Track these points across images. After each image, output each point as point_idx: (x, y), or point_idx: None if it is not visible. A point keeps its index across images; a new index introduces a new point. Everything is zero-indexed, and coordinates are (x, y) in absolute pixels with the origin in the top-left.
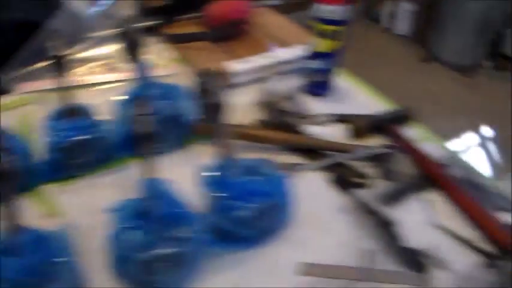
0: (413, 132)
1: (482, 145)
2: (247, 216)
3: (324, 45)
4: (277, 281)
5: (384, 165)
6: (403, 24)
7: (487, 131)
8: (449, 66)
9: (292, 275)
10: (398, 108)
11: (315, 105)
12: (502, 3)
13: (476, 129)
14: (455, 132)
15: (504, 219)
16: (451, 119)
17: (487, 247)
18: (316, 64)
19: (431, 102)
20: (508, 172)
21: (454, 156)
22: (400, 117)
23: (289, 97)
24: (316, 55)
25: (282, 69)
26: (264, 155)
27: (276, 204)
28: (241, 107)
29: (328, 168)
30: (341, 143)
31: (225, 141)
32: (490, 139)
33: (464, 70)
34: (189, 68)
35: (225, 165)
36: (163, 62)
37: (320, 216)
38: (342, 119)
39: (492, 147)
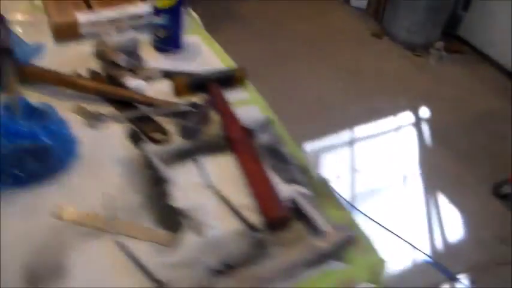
0: (239, 95)
1: (416, 125)
2: (9, 155)
3: (162, 1)
4: (32, 223)
5: (186, 122)
6: None
7: (424, 112)
8: (401, 44)
9: (50, 218)
10: (230, 69)
11: (160, 61)
12: None
13: (414, 109)
14: (391, 110)
15: (296, 192)
16: (392, 96)
17: (254, 218)
18: (159, 20)
19: (375, 78)
20: None
21: (267, 123)
22: (228, 78)
23: (125, 50)
24: (158, 11)
25: (130, 23)
26: (79, 103)
27: (47, 148)
28: (81, 56)
29: (132, 121)
30: (155, 98)
31: (12, 82)
32: (424, 120)
33: (415, 49)
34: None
35: (7, 105)
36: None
37: (100, 165)
38: (167, 75)
39: (425, 128)
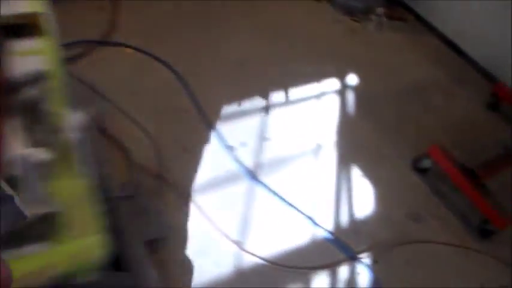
0: (31, 43)
1: (340, 93)
2: None
3: None
4: None
5: None
6: None
7: (352, 79)
8: (340, 8)
9: None
10: (23, 15)
11: None
12: None
13: (341, 76)
14: (316, 76)
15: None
16: (320, 61)
17: None
18: None
19: (304, 42)
20: None
21: (38, 77)
22: (19, 25)
23: None
24: None
25: None
26: None
27: None
28: None
29: None
30: None
31: None
32: (351, 88)
33: (354, 14)
34: None
35: None
36: None
37: None
38: None
39: (350, 96)
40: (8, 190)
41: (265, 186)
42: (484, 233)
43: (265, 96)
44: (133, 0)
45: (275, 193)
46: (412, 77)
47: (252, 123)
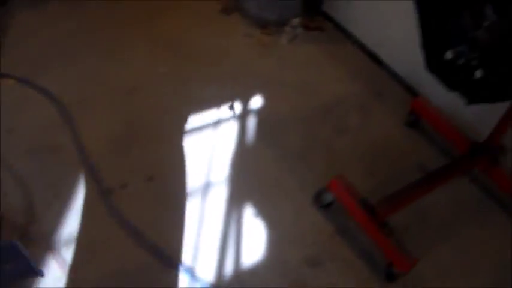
0: None
1: (241, 118)
2: None
3: None
4: None
5: None
6: None
7: (256, 101)
8: (252, 21)
9: None
10: None
11: None
12: None
13: (244, 99)
14: (216, 100)
15: None
16: (223, 83)
17: None
18: None
19: (208, 61)
20: None
21: None
22: None
23: None
24: None
25: None
26: None
27: None
28: None
29: None
30: None
31: None
32: (254, 112)
33: (266, 26)
34: None
35: None
36: None
37: None
38: None
39: (252, 121)
40: None
41: (139, 237)
42: (390, 276)
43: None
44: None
45: (150, 244)
46: (327, 95)
47: (137, 159)
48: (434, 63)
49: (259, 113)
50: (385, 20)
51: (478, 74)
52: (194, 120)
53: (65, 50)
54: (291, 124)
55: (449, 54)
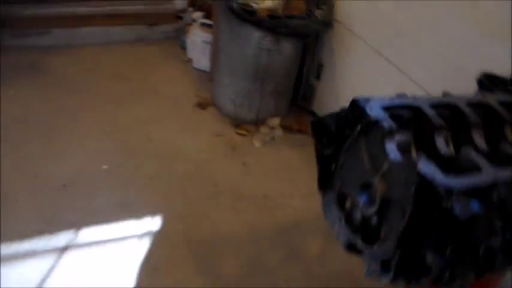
0: None
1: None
2: None
3: None
4: None
5: None
6: (204, 59)
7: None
8: (228, 117)
9: None
10: None
11: None
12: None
13: (186, 209)
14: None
15: None
16: (166, 189)
17: None
18: None
19: (167, 165)
20: None
21: None
22: None
23: None
24: None
25: None
26: None
27: None
28: None
29: None
30: None
31: None
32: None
33: (241, 125)
34: None
35: None
36: None
37: None
38: None
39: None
40: None
41: None
42: None
43: (76, 231)
44: None
45: None
46: (289, 213)
47: (34, 269)
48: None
49: (199, 229)
50: None
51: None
52: (115, 230)
53: (12, 136)
54: (235, 246)
55: (347, 203)
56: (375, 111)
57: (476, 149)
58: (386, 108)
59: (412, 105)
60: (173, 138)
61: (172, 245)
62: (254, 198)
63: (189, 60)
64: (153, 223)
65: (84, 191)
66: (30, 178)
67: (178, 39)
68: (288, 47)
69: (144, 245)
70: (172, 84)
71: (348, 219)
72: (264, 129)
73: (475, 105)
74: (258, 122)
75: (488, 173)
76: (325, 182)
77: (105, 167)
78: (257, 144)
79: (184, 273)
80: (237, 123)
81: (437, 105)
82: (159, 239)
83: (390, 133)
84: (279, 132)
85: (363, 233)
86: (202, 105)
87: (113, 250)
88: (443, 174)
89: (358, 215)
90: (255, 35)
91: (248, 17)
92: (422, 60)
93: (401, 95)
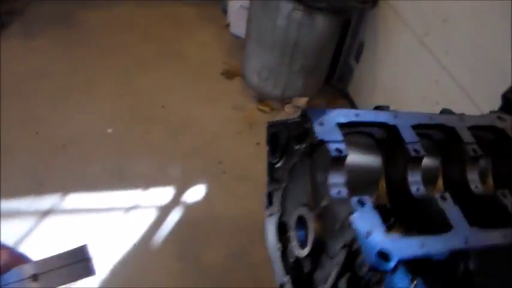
0: None
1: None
2: None
3: None
4: None
5: None
6: (241, 25)
7: (197, 192)
8: (253, 90)
9: None
10: None
11: None
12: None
13: (184, 186)
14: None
15: None
16: (183, 164)
17: None
18: None
19: (178, 133)
20: None
21: None
22: None
23: None
24: None
25: None
26: None
27: None
28: None
29: None
30: None
31: None
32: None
33: (266, 100)
34: None
35: None
36: None
37: None
38: None
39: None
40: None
41: None
42: None
43: (63, 196)
44: None
45: None
46: None
47: (13, 229)
48: None
49: (192, 209)
50: None
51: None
52: (115, 196)
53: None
54: (225, 233)
55: (288, 234)
56: (327, 128)
57: (462, 191)
58: (348, 125)
59: (387, 123)
60: (188, 107)
61: (159, 223)
62: (259, 183)
63: (228, 25)
64: (144, 197)
65: (82, 153)
66: (31, 134)
67: (220, 1)
68: (322, 23)
69: (129, 219)
70: (203, 49)
71: (283, 255)
72: (288, 108)
73: (483, 128)
74: (284, 100)
75: (459, 235)
76: (271, 200)
77: (109, 130)
78: None
79: (164, 255)
80: (261, 98)
81: (425, 126)
82: (145, 215)
83: (336, 160)
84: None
85: (293, 278)
86: (229, 74)
87: (95, 220)
88: (384, 233)
89: (293, 253)
90: (285, 6)
91: None
92: (467, 58)
93: (445, 110)
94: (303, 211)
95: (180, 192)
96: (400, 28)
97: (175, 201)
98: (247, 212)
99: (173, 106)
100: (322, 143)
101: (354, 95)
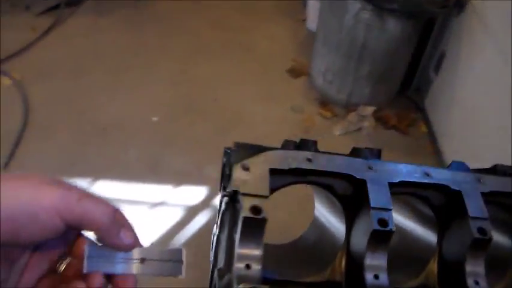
0: None
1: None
2: None
3: None
4: None
5: None
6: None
7: None
8: (317, 92)
9: None
10: None
11: None
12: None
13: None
14: (188, 178)
15: None
16: (209, 162)
17: None
18: None
19: (224, 125)
20: None
21: None
22: None
23: None
24: None
25: None
26: None
27: None
28: None
29: None
30: None
31: None
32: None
33: (329, 104)
34: None
35: None
36: None
37: None
38: None
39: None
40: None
41: None
42: None
43: (92, 181)
44: None
45: None
46: None
47: None
48: None
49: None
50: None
51: None
52: (132, 191)
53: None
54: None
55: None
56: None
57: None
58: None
59: (354, 176)
60: (243, 103)
61: (182, 224)
62: (300, 195)
63: (304, 20)
64: (173, 194)
65: (121, 139)
66: (76, 112)
67: None
68: (393, 26)
69: (153, 215)
70: (273, 43)
71: None
72: (352, 117)
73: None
74: (349, 107)
75: None
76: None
77: (155, 118)
78: (337, 132)
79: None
80: (324, 102)
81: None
82: (171, 214)
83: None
84: (369, 123)
85: None
86: (294, 72)
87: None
88: None
89: None
90: (353, 5)
91: None
92: None
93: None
94: (220, 265)
95: (212, 195)
96: (483, 40)
97: (205, 203)
98: (284, 224)
99: (226, 100)
100: (236, 193)
101: (430, 110)
